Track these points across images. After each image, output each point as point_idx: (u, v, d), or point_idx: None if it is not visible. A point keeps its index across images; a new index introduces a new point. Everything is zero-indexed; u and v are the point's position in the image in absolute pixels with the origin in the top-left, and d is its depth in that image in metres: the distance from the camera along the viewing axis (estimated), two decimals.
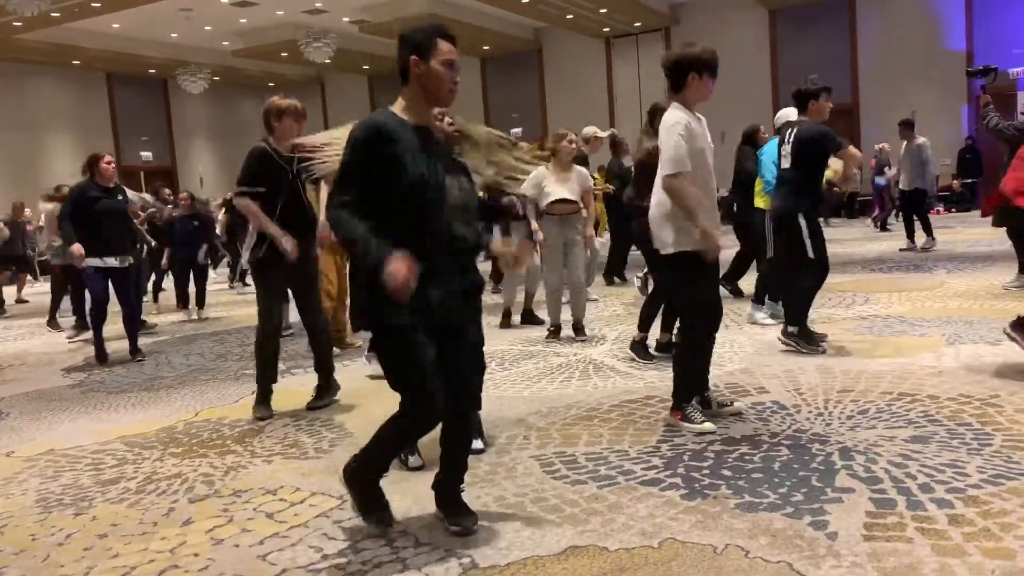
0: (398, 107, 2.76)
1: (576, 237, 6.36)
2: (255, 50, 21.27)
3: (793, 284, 5.45)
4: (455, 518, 2.95)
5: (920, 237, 11.00)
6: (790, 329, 5.32)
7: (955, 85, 17.86)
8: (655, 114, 5.00)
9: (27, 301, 12.88)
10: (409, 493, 3.36)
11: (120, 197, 6.94)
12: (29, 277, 13.23)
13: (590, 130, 8.74)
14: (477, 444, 3.80)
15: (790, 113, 6.21)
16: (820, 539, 2.67)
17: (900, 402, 4.11)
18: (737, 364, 5.15)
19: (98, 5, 15.84)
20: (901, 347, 5.31)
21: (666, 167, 3.76)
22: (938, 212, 17.57)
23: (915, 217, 11.07)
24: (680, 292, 4.05)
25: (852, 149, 5.18)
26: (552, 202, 6.24)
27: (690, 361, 3.99)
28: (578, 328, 6.46)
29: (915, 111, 18.53)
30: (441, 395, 2.72)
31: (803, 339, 5.28)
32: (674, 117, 3.78)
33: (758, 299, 6.54)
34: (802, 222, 5.22)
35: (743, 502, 3.02)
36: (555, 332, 6.54)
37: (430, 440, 3.62)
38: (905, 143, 11.33)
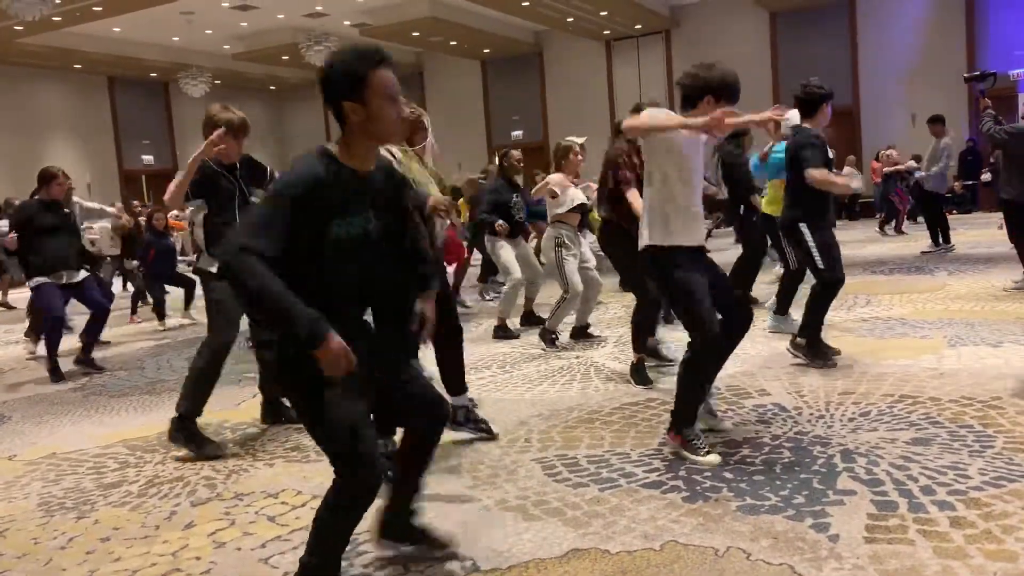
0: (338, 149, 2.33)
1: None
2: (256, 53, 21.29)
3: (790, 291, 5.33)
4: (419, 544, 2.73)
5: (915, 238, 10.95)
6: (798, 340, 5.12)
7: (956, 87, 17.82)
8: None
9: (14, 307, 12.61)
10: None
11: (66, 211, 6.74)
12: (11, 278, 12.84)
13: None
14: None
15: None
16: (822, 541, 2.67)
17: (902, 404, 4.11)
18: (739, 366, 5.15)
19: (99, 9, 15.86)
20: (902, 349, 5.31)
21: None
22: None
23: (928, 219, 10.79)
24: (675, 303, 3.69)
25: (815, 173, 4.83)
26: (573, 208, 6.28)
27: (693, 379, 3.60)
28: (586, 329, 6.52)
29: (915, 114, 18.58)
30: (376, 455, 2.29)
31: (811, 351, 5.05)
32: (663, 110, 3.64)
33: (780, 310, 6.25)
34: (804, 231, 5.03)
35: (745, 504, 3.02)
36: (582, 331, 6.52)
37: None
38: (934, 140, 10.99)
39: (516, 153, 7.55)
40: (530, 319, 7.30)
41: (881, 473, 3.21)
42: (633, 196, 4.91)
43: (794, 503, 2.99)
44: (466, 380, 4.13)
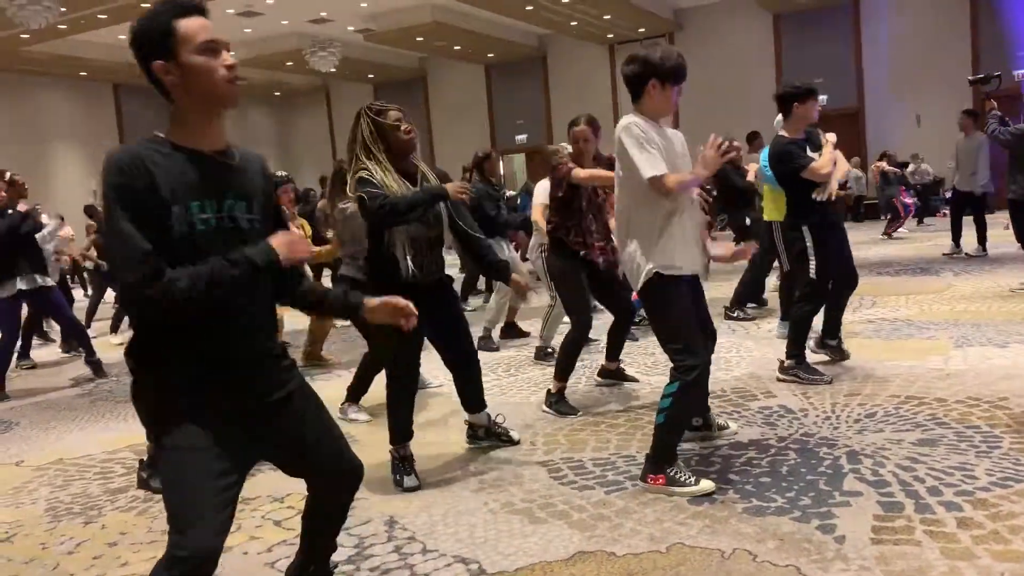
0: (168, 130, 2.01)
1: None
2: (260, 59, 21.33)
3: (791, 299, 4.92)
4: None
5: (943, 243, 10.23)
6: (787, 363, 4.77)
7: (961, 88, 17.76)
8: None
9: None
10: (416, 499, 3.37)
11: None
12: None
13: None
14: (514, 435, 4.02)
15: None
16: (828, 543, 2.67)
17: (908, 405, 4.10)
18: (744, 368, 5.15)
19: (104, 17, 15.92)
20: (909, 350, 5.29)
21: (646, 171, 3.17)
22: (944, 215, 17.53)
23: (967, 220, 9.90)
24: (660, 326, 3.33)
25: (814, 166, 4.62)
26: None
27: (685, 410, 3.30)
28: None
29: (920, 114, 18.55)
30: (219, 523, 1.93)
31: (801, 369, 4.72)
32: (625, 120, 3.29)
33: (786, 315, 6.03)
34: (807, 234, 4.74)
35: (751, 506, 3.01)
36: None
37: (439, 446, 3.66)
38: (963, 136, 10.22)
39: (494, 155, 7.34)
40: (511, 331, 7.11)
41: (887, 474, 3.20)
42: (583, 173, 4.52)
43: (800, 505, 2.99)
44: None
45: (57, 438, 4.99)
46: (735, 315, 6.93)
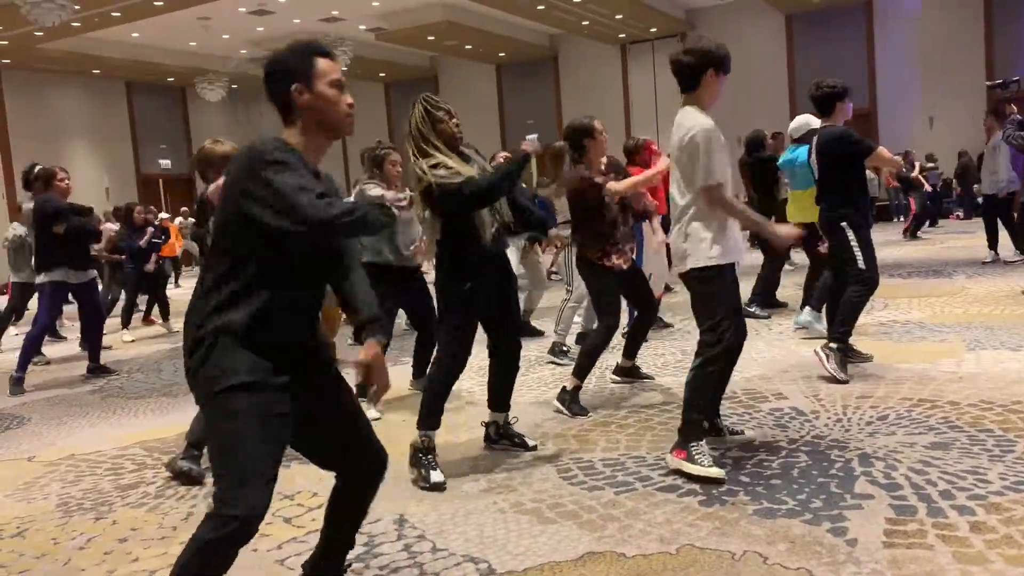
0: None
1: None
2: None
3: (839, 298, 4.98)
4: None
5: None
6: (831, 345, 4.80)
7: (975, 89, 17.72)
8: (580, 131, 4.62)
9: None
10: (426, 498, 3.37)
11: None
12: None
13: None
14: (530, 442, 3.95)
15: (812, 120, 6.16)
16: (840, 546, 2.65)
17: (920, 408, 4.08)
18: (756, 370, 5.13)
19: (118, 15, 15.99)
20: (921, 353, 5.26)
21: (703, 177, 3.37)
22: (958, 217, 17.44)
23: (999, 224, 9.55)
24: (702, 308, 3.53)
25: (882, 152, 4.89)
26: None
27: (707, 389, 3.50)
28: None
29: (932, 116, 18.45)
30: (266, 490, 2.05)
31: (839, 357, 4.74)
32: (702, 121, 3.39)
33: (818, 306, 6.08)
34: (848, 231, 4.82)
35: (761, 508, 3.00)
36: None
37: (450, 446, 3.66)
38: (989, 137, 9.63)
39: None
40: (524, 329, 7.07)
41: (899, 477, 3.18)
42: (616, 188, 4.61)
43: (811, 507, 2.97)
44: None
45: (68, 434, 5.02)
46: (752, 311, 6.94)
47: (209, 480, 3.84)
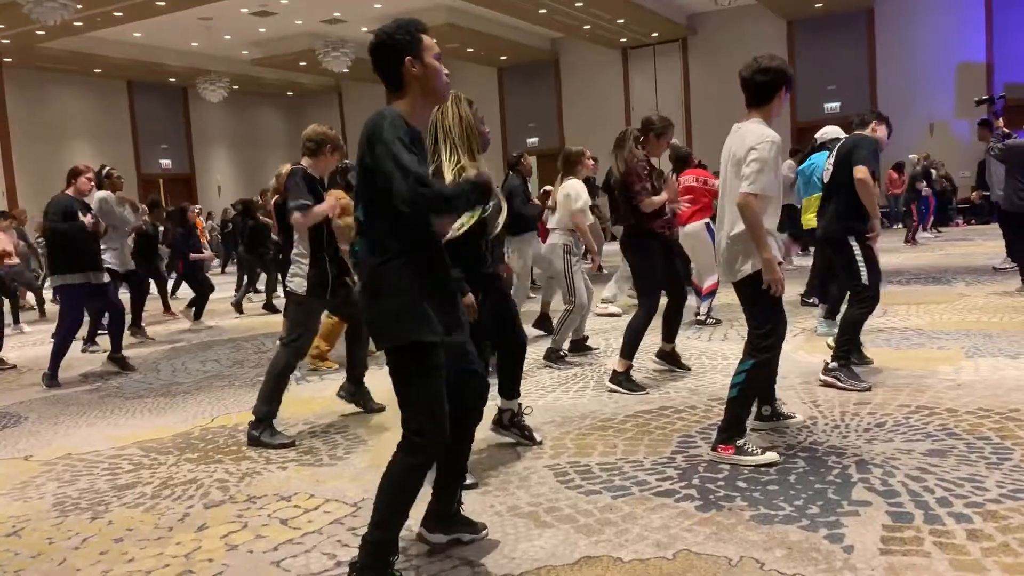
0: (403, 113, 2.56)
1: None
2: (274, 59, 21.43)
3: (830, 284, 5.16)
4: (467, 529, 2.93)
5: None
6: (832, 365, 4.78)
7: (974, 96, 17.76)
8: (623, 140, 5.05)
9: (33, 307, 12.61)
10: (422, 500, 3.35)
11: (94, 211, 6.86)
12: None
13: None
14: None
15: (836, 130, 6.37)
16: (836, 552, 2.65)
17: (918, 415, 4.07)
18: None
19: (120, 14, 16.01)
20: (919, 360, 5.26)
21: (746, 184, 3.52)
22: (958, 224, 17.46)
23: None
24: (759, 310, 3.66)
25: (859, 170, 4.74)
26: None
27: (757, 384, 3.70)
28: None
29: (933, 123, 18.46)
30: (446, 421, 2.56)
31: (848, 373, 4.73)
32: (768, 134, 3.56)
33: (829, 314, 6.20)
34: (854, 244, 4.81)
35: (758, 514, 3.00)
36: (581, 343, 6.36)
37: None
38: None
39: (527, 156, 7.63)
40: (544, 323, 7.18)
41: (897, 484, 3.18)
42: (648, 204, 4.92)
43: (808, 513, 2.97)
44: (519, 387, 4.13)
45: (65, 433, 5.01)
46: (811, 301, 7.49)
47: (218, 476, 3.85)
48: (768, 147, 3.53)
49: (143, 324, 8.94)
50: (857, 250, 4.82)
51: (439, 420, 2.50)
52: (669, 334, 5.37)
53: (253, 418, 4.43)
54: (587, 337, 6.45)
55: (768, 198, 3.57)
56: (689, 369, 5.41)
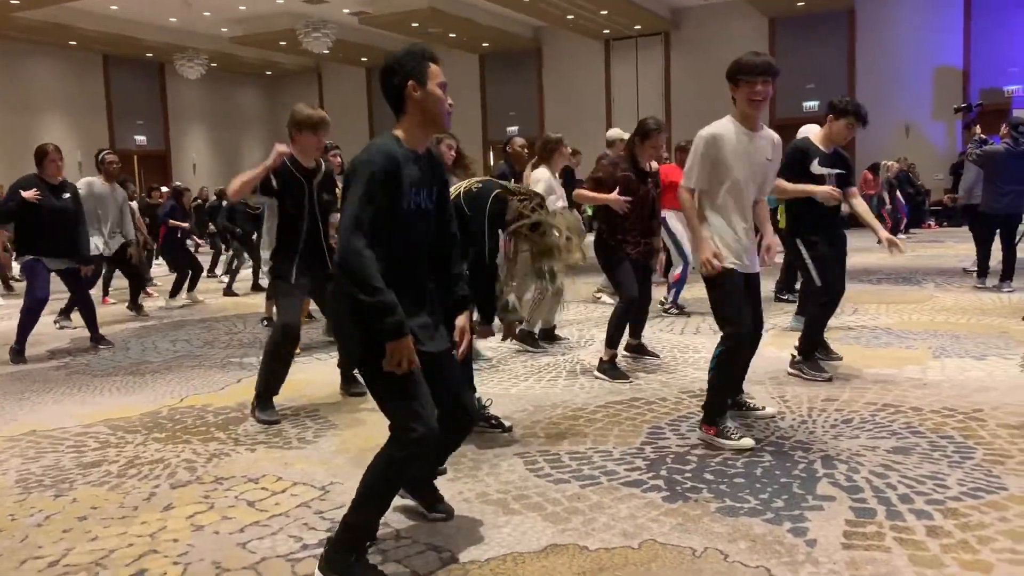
0: (400, 135, 2.64)
1: None
2: (254, 38, 21.20)
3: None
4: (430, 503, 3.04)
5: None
6: (798, 359, 4.94)
7: (951, 100, 17.95)
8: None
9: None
10: None
11: (67, 196, 6.60)
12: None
13: (615, 133, 8.10)
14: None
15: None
16: (799, 545, 2.69)
17: (884, 413, 4.13)
18: None
19: None
20: (887, 359, 5.33)
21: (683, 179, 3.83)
22: (930, 226, 17.67)
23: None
24: (713, 299, 3.83)
25: (779, 183, 4.73)
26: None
27: (727, 372, 3.82)
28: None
29: (908, 125, 18.66)
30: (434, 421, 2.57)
31: (810, 366, 4.89)
32: (703, 131, 3.76)
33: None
34: (800, 246, 4.95)
35: (724, 506, 3.03)
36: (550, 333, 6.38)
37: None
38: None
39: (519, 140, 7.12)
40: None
41: (861, 480, 3.23)
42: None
43: (773, 507, 3.00)
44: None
45: (31, 410, 4.94)
46: (784, 297, 7.69)
47: (185, 456, 3.82)
48: (696, 141, 3.76)
49: (141, 302, 8.97)
50: (805, 252, 4.95)
51: (418, 419, 2.48)
52: (635, 330, 5.59)
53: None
54: (555, 327, 6.47)
55: (705, 191, 3.78)
56: (658, 356, 5.57)
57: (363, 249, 2.39)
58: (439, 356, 2.68)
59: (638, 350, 5.63)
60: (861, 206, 4.94)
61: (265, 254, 4.62)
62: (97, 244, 7.79)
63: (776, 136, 3.92)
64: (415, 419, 2.48)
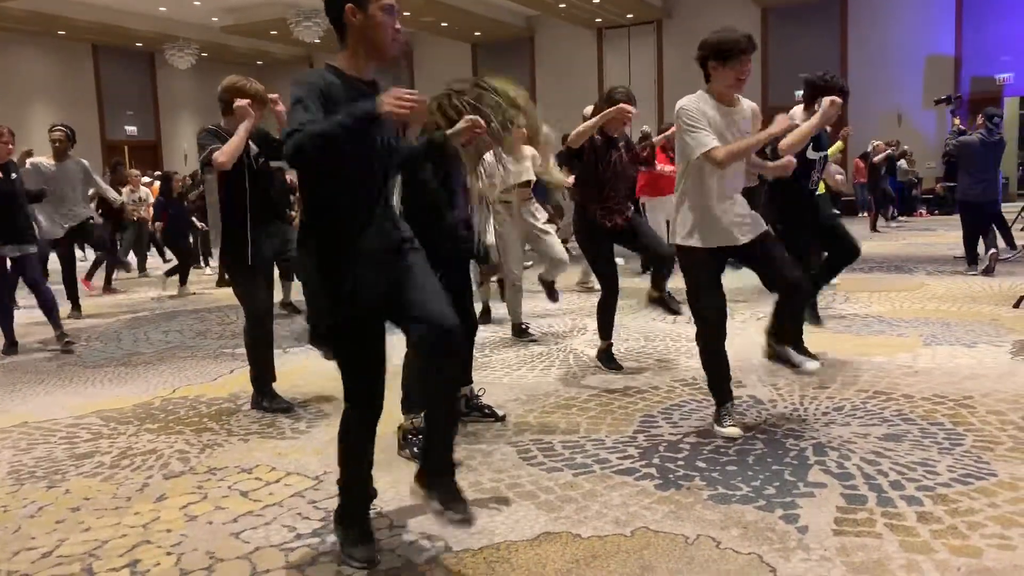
0: (339, 60, 2.49)
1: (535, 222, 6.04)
2: (244, 27, 21.06)
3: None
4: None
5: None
6: (776, 349, 4.64)
7: (942, 89, 17.95)
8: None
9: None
10: (385, 475, 3.36)
11: (14, 176, 6.29)
12: None
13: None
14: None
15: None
16: (791, 532, 2.70)
17: (875, 400, 4.15)
18: None
19: None
20: (879, 346, 5.35)
21: (696, 151, 3.54)
22: (921, 215, 17.72)
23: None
24: (685, 280, 3.82)
25: (768, 164, 4.40)
26: (521, 184, 5.92)
27: (708, 356, 3.81)
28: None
29: (901, 113, 18.68)
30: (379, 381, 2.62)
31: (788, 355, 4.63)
32: (687, 102, 3.62)
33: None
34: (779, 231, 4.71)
35: (716, 494, 3.04)
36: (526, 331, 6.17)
37: (393, 432, 3.64)
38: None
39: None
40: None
41: (852, 467, 3.24)
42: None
43: (765, 494, 3.02)
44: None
45: (22, 401, 4.93)
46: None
47: (178, 447, 3.81)
48: (684, 112, 3.61)
49: (112, 285, 9.05)
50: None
51: (360, 382, 2.58)
52: (657, 281, 5.09)
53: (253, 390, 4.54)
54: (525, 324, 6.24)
55: (683, 169, 3.72)
56: (680, 313, 5.12)
57: (299, 135, 2.22)
58: (402, 285, 2.48)
59: (661, 303, 5.11)
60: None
61: (215, 248, 4.48)
62: (44, 224, 7.67)
63: (754, 105, 3.83)
64: (350, 398, 2.60)
